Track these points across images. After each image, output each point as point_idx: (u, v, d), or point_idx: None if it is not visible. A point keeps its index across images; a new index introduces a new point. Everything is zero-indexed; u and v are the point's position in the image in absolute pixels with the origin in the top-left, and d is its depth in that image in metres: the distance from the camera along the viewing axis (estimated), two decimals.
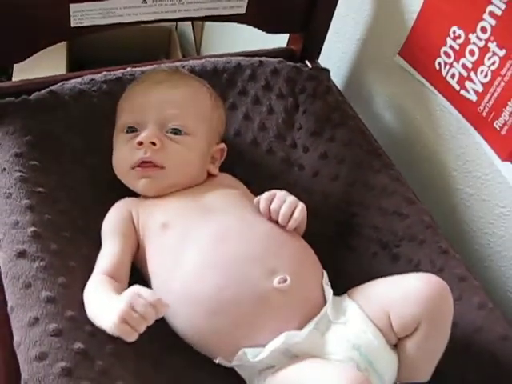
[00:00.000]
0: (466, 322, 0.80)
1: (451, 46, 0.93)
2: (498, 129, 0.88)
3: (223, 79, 1.03)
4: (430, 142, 1.03)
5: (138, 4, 0.93)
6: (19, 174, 0.85)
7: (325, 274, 0.82)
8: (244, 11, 1.00)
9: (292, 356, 0.75)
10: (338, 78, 1.17)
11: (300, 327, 0.75)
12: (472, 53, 0.90)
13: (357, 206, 0.94)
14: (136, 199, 0.88)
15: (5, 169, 0.85)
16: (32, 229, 0.80)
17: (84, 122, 0.94)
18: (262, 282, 0.75)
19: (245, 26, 1.02)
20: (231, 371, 0.79)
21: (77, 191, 0.89)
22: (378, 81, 1.12)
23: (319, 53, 1.12)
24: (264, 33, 1.05)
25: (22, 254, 0.77)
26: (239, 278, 0.75)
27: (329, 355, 0.74)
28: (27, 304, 0.73)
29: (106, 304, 0.72)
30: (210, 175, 0.92)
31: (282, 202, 0.81)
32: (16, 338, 0.72)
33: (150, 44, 1.74)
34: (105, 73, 0.98)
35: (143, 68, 1.01)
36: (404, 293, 0.76)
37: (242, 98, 1.02)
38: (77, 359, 0.70)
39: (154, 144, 0.85)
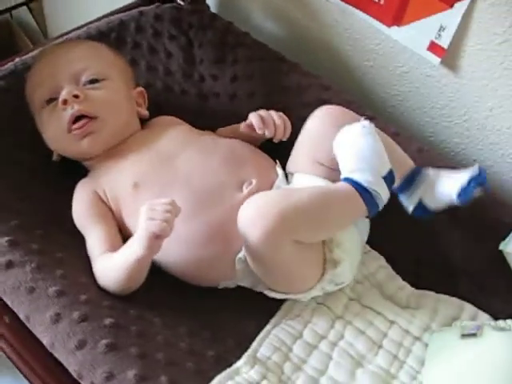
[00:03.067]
0: None
1: None
2: (377, 1, 0.98)
3: (112, 39, 1.03)
4: (318, 33, 1.10)
5: None
6: None
7: (277, 161, 0.90)
8: None
9: None
10: (210, 3, 1.19)
11: None
12: None
13: (282, 109, 0.97)
14: (90, 178, 0.88)
15: None
16: (6, 238, 0.78)
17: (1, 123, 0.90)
18: (236, 194, 0.82)
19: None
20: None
21: (26, 189, 0.87)
22: None
23: None
24: None
25: (9, 265, 0.76)
26: (218, 203, 0.81)
27: None
28: (40, 306, 0.74)
29: (125, 247, 0.76)
30: (144, 121, 0.94)
31: (271, 117, 0.88)
32: (46, 340, 0.72)
33: None
34: None
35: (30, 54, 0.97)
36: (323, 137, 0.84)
37: (137, 52, 1.04)
38: (113, 332, 0.72)
39: (77, 97, 0.85)
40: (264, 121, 0.87)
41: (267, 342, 0.81)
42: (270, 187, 0.84)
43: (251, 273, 0.80)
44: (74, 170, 0.90)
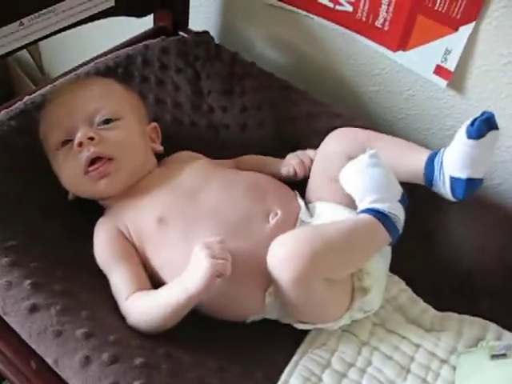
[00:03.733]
0: None
1: None
2: (381, 26, 1.00)
3: (119, 74, 1.03)
4: (322, 61, 1.12)
5: (15, 29, 0.89)
6: None
7: (296, 192, 0.91)
8: (113, 3, 1.00)
9: None
10: (213, 35, 1.19)
11: None
12: None
13: (292, 138, 1.01)
14: (111, 215, 0.87)
15: None
16: (28, 281, 0.77)
17: (12, 163, 0.90)
18: (262, 225, 0.82)
19: (82, 34, 1.01)
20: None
21: (42, 229, 0.86)
22: (253, 26, 1.18)
23: (187, 21, 1.15)
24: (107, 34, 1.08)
25: (33, 309, 0.75)
26: (245, 235, 0.81)
27: None
28: (69, 349, 0.72)
29: (173, 285, 0.76)
30: (161, 157, 0.94)
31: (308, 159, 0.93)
32: None
33: None
34: (4, 111, 0.93)
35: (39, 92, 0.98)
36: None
37: (145, 86, 1.04)
38: (145, 373, 0.71)
39: (92, 139, 0.85)
40: (304, 166, 0.92)
41: (296, 373, 0.80)
42: (295, 218, 0.84)
43: (280, 306, 0.80)
44: (89, 208, 0.89)
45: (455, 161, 0.79)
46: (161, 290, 0.78)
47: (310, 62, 1.13)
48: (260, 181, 0.89)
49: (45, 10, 0.91)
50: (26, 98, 0.96)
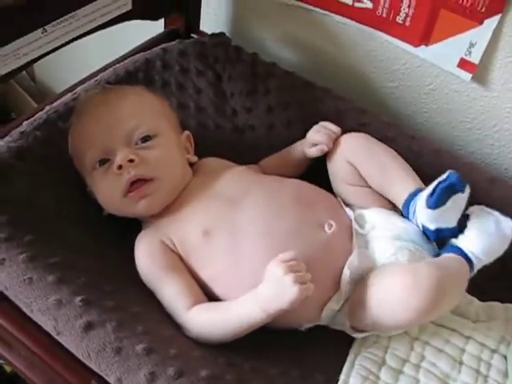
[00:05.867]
0: None
1: None
2: (402, 22, 1.00)
3: (140, 79, 1.00)
4: (341, 59, 1.11)
5: (38, 36, 0.85)
6: (23, 254, 0.76)
7: (339, 199, 0.89)
8: (131, 7, 0.97)
9: (356, 281, 0.82)
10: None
11: (348, 255, 0.82)
12: None
13: None
14: (153, 229, 0.85)
15: (4, 259, 0.76)
16: (79, 298, 0.74)
17: (40, 175, 0.86)
18: (319, 235, 0.81)
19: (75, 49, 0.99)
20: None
21: (83, 245, 0.83)
22: (266, 26, 1.17)
23: (199, 23, 1.13)
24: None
25: (88, 327, 0.72)
26: (301, 243, 0.79)
27: (380, 259, 0.82)
28: (132, 366, 0.70)
29: (246, 303, 0.75)
30: (194, 166, 0.91)
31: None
32: None
33: None
34: (27, 121, 0.89)
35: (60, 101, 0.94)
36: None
37: (166, 90, 1.01)
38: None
39: (132, 161, 0.82)
40: (330, 138, 0.89)
41: (354, 373, 0.79)
42: (349, 229, 0.83)
43: (336, 316, 0.81)
44: (125, 221, 0.87)
45: (425, 214, 0.80)
46: (230, 304, 0.77)
47: (328, 60, 1.13)
48: (305, 189, 0.87)
49: (66, 16, 0.88)
50: (47, 107, 0.92)
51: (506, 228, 0.81)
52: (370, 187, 0.88)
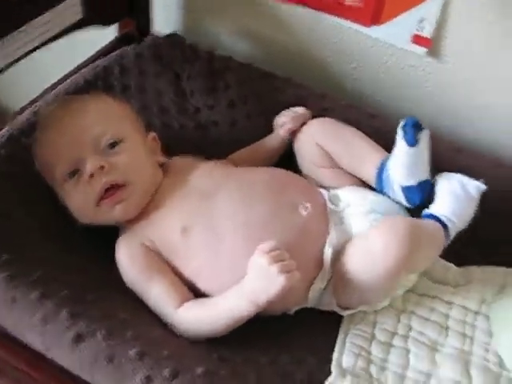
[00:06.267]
0: None
1: None
2: (352, 3, 1.02)
3: (100, 86, 1.00)
4: (295, 46, 1.12)
5: None
6: (3, 274, 0.75)
7: (312, 180, 0.92)
8: (82, 15, 0.96)
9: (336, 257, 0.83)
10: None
11: (325, 234, 0.83)
12: None
13: None
14: (131, 233, 0.84)
15: None
16: (65, 311, 0.72)
17: (10, 192, 0.85)
18: (295, 218, 0.82)
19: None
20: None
21: (64, 259, 0.82)
22: (218, 20, 1.18)
23: (151, 25, 1.13)
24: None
25: (78, 338, 0.71)
26: (279, 229, 0.80)
27: (357, 233, 0.84)
28: (127, 372, 0.70)
29: (233, 296, 0.75)
30: (163, 166, 0.91)
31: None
32: None
33: None
34: None
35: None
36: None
37: (127, 94, 1.01)
38: (209, 380, 0.70)
39: (102, 168, 0.82)
40: (297, 118, 0.93)
41: (347, 351, 0.81)
42: (324, 209, 0.85)
43: (322, 296, 0.82)
44: (102, 229, 0.86)
45: (402, 171, 0.84)
46: (218, 299, 0.77)
47: (283, 49, 1.14)
48: (277, 175, 0.89)
49: (16, 31, 0.87)
50: (9, 124, 0.90)
51: (471, 189, 0.85)
52: (341, 168, 0.90)
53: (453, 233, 0.84)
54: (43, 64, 1.25)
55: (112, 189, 0.83)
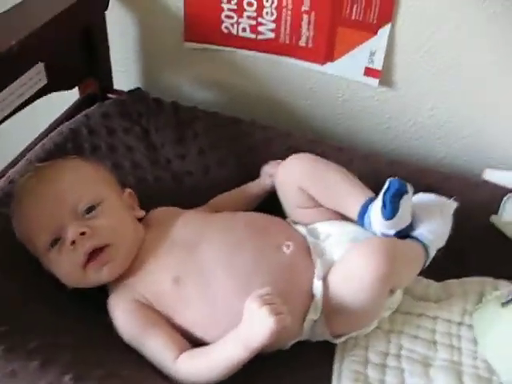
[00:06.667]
0: None
1: (229, 9, 1.08)
2: (305, 45, 1.08)
3: (69, 149, 1.01)
4: (254, 89, 1.17)
5: None
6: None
7: (289, 220, 0.95)
8: (46, 81, 0.98)
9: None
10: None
11: (311, 267, 0.86)
12: (250, 4, 1.06)
13: (254, 168, 1.03)
14: (121, 290, 0.85)
15: None
16: (68, 376, 0.72)
17: None
18: (280, 257, 0.85)
19: None
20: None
21: (57, 324, 0.81)
22: (177, 72, 1.22)
23: (112, 83, 1.16)
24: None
25: None
26: (266, 269, 0.83)
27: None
28: None
29: (228, 343, 0.77)
30: (143, 220, 0.93)
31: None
32: None
33: None
34: None
35: None
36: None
37: (98, 154, 1.02)
38: None
39: (84, 233, 0.83)
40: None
41: (344, 378, 0.84)
42: (305, 245, 0.88)
43: (314, 327, 0.84)
44: (90, 293, 0.86)
45: (383, 223, 0.87)
46: (214, 348, 0.78)
47: (242, 93, 1.19)
48: (256, 218, 0.92)
49: None
50: None
51: (445, 207, 0.90)
52: (323, 206, 0.93)
53: (432, 251, 0.88)
54: (6, 132, 1.26)
55: (96, 252, 0.83)
